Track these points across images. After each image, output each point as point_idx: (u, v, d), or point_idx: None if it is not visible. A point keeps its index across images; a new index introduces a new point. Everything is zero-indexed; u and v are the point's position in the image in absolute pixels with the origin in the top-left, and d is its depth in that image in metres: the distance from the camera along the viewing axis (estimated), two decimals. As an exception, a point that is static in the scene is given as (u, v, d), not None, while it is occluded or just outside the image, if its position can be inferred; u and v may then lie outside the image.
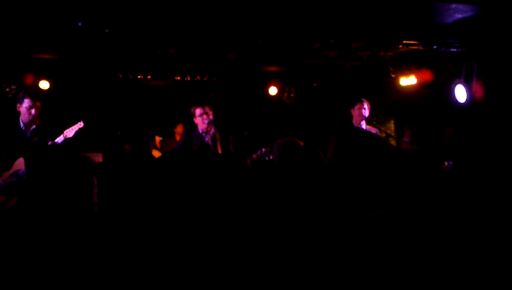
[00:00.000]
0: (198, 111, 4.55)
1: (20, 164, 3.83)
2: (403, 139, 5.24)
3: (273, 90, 7.32)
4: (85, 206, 1.97)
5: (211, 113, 4.57)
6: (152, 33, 4.61)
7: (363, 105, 5.06)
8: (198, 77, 7.04)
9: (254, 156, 5.38)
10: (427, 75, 5.95)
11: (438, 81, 5.90)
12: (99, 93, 7.14)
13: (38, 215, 1.85)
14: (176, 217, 1.79)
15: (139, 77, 6.77)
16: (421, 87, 6.10)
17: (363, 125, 5.06)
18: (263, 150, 5.21)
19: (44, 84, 6.22)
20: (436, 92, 5.89)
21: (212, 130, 4.56)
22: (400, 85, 6.25)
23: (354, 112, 5.09)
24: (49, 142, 4.20)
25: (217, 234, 1.70)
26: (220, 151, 4.44)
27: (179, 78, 6.96)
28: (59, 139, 4.25)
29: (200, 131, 4.58)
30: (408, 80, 6.12)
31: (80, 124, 4.34)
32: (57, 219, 1.85)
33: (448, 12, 4.08)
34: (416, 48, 5.06)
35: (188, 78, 6.98)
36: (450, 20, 4.28)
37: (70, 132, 4.30)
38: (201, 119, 4.53)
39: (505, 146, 4.64)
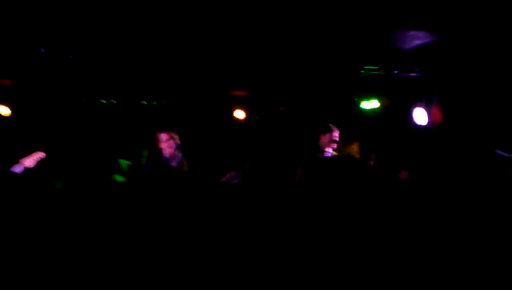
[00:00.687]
0: (164, 136, 4.51)
1: None
2: (369, 162, 5.38)
3: (240, 114, 7.35)
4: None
5: (176, 138, 4.54)
6: (116, 58, 4.58)
7: (333, 133, 5.14)
8: (165, 102, 7.01)
9: (222, 179, 5.38)
10: (388, 100, 6.15)
11: (398, 105, 6.10)
12: (61, 119, 6.97)
13: None
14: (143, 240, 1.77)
15: (103, 101, 6.67)
16: (383, 111, 6.29)
17: (329, 150, 5.13)
18: (232, 173, 5.22)
19: (3, 110, 6.02)
20: (396, 115, 6.09)
21: (180, 155, 4.53)
22: (362, 109, 6.43)
23: (324, 137, 5.16)
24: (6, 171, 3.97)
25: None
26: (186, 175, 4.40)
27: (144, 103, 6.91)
28: (18, 169, 3.95)
29: (166, 156, 4.53)
30: (370, 104, 6.31)
31: (40, 154, 4.04)
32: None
33: (407, 38, 4.26)
34: (378, 72, 5.24)
35: (155, 103, 6.94)
36: (409, 46, 4.47)
37: (28, 162, 4.00)
38: (167, 144, 4.49)
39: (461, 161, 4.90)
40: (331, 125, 5.19)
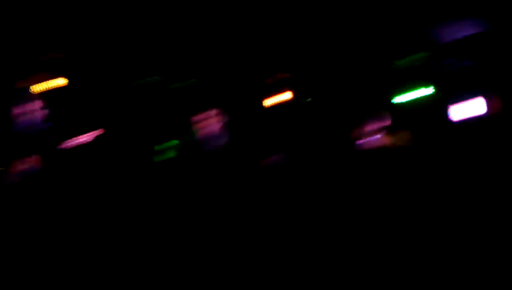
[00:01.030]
0: (205, 115, 4.58)
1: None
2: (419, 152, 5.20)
3: (280, 97, 7.30)
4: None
5: (219, 117, 4.59)
6: (159, 38, 4.61)
7: (377, 118, 5.01)
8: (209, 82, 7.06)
9: (262, 162, 5.38)
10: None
11: (450, 94, 5.85)
12: (112, 95, 7.17)
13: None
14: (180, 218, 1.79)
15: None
16: (434, 99, 6.06)
17: (375, 136, 5.01)
18: (271, 157, 5.22)
19: (60, 82, 6.26)
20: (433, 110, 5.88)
21: (224, 134, 4.57)
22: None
23: (368, 122, 5.04)
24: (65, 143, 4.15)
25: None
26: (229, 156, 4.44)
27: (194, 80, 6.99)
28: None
29: (209, 135, 4.58)
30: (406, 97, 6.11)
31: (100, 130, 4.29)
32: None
33: (446, 32, 4.05)
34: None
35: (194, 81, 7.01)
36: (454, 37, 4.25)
37: (87, 136, 4.25)
38: (210, 122, 4.56)
39: None
40: (375, 109, 5.05)
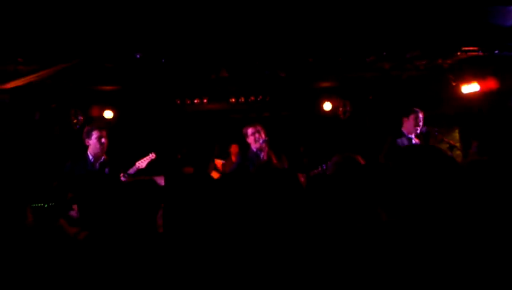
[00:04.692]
0: (250, 130, 4.64)
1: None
2: (471, 151, 4.98)
3: (327, 106, 7.26)
4: (150, 228, 2.05)
5: (263, 132, 4.63)
6: (205, 59, 4.75)
7: (417, 115, 4.86)
8: (253, 98, 7.17)
9: (312, 173, 5.36)
10: (492, 83, 5.63)
11: (503, 88, 5.57)
12: (158, 120, 7.44)
13: (109, 243, 1.95)
14: (235, 235, 1.82)
15: (195, 101, 7.00)
16: (485, 95, 5.79)
17: (413, 135, 4.86)
18: (323, 166, 5.18)
19: (108, 114, 6.60)
20: (502, 99, 5.57)
21: (267, 149, 4.60)
22: (462, 93, 5.98)
23: (408, 121, 4.90)
24: (122, 174, 4.36)
25: (274, 250, 1.70)
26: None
27: (233, 100, 7.13)
28: (132, 170, 4.42)
29: (254, 150, 4.64)
30: (470, 88, 5.83)
31: (152, 156, 4.50)
32: (125, 244, 1.94)
33: (508, 14, 3.87)
34: (476, 54, 4.83)
35: (242, 100, 7.13)
36: (510, 22, 4.05)
37: (142, 163, 4.46)
38: (253, 138, 4.61)
39: None
40: (414, 108, 4.90)
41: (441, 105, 6.33)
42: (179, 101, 6.98)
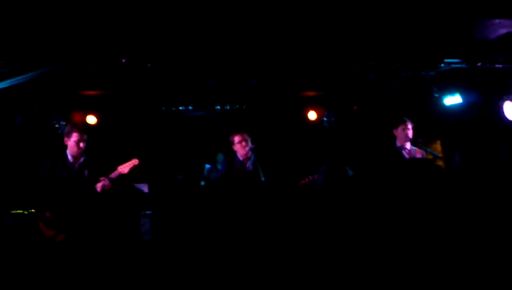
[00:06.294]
0: (237, 138, 4.61)
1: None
2: (453, 161, 5.03)
3: (312, 115, 7.30)
4: (132, 235, 2.01)
5: (249, 140, 4.61)
6: (191, 65, 4.73)
7: (406, 125, 4.89)
8: (238, 105, 7.16)
9: (301, 182, 5.29)
10: (473, 95, 5.74)
11: (484, 100, 5.68)
12: (142, 126, 7.36)
13: (88, 246, 1.90)
14: (222, 241, 1.80)
15: (180, 108, 6.95)
16: (467, 106, 5.89)
17: (408, 146, 4.89)
18: (310, 177, 5.12)
19: (91, 119, 6.49)
20: (483, 110, 5.67)
21: (253, 157, 4.58)
22: (444, 105, 6.08)
23: (398, 132, 4.93)
24: (102, 178, 4.20)
25: (262, 256, 1.69)
26: (262, 177, 4.43)
27: (218, 107, 7.11)
28: (114, 175, 4.27)
29: (241, 158, 4.61)
30: (453, 100, 5.94)
31: (135, 161, 4.39)
32: (106, 249, 1.90)
33: (491, 28, 3.95)
34: (460, 66, 4.91)
35: (228, 107, 7.12)
36: (493, 36, 4.14)
37: (125, 169, 4.34)
38: (240, 146, 4.58)
39: None
40: (402, 118, 4.94)
41: (424, 116, 6.42)
42: (164, 108, 6.93)
